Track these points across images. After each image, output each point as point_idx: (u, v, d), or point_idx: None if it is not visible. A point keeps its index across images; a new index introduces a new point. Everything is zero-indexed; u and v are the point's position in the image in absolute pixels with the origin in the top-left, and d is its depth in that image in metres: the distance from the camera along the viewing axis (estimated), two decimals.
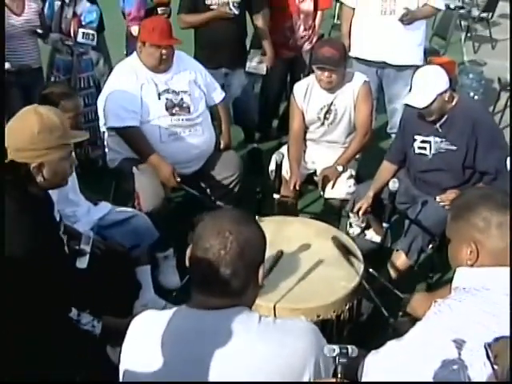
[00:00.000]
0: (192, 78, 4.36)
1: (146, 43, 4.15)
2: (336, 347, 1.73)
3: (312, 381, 1.82)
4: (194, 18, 5.27)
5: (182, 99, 4.25)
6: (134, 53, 4.32)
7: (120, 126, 4.16)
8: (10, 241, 2.34)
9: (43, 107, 2.65)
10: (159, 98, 4.20)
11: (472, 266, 2.05)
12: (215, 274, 1.81)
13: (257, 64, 5.48)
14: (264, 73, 5.56)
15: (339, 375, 1.71)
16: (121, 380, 1.93)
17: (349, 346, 1.73)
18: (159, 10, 5.57)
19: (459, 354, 1.86)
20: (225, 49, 5.25)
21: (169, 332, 1.86)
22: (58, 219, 2.85)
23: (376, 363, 2.06)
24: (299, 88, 4.55)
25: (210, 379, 1.79)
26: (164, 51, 4.14)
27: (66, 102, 3.58)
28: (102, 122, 4.40)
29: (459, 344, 1.86)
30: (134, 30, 5.39)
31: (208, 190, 4.51)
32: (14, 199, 2.46)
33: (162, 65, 4.21)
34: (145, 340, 1.90)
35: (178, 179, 4.16)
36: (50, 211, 2.78)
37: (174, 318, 1.89)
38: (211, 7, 5.17)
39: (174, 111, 4.22)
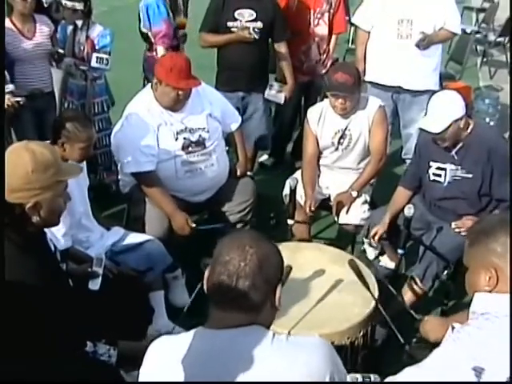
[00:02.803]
0: (208, 112, 4.27)
1: (163, 82, 4.01)
2: (359, 376, 1.74)
3: None
4: (214, 38, 5.27)
5: (199, 135, 4.19)
6: (148, 87, 4.23)
7: (137, 172, 4.11)
8: (14, 285, 2.26)
9: (35, 143, 2.52)
10: (176, 139, 4.12)
11: (491, 292, 2.02)
12: (235, 285, 1.84)
13: (276, 92, 5.47)
14: (282, 102, 5.54)
15: None
16: None
17: (371, 375, 1.75)
18: (180, 32, 5.64)
19: (478, 381, 1.83)
20: (243, 72, 5.24)
21: (185, 354, 1.87)
22: (53, 249, 2.73)
23: None
24: (313, 113, 4.54)
25: None
26: (181, 92, 4.02)
27: (81, 132, 3.52)
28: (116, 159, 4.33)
29: (478, 372, 1.83)
30: (160, 50, 5.39)
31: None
32: (13, 242, 2.36)
33: (178, 105, 4.11)
34: (163, 364, 1.91)
35: (193, 225, 4.11)
36: (47, 245, 2.68)
37: (190, 340, 1.90)
38: (232, 29, 5.16)
39: (190, 149, 4.17)
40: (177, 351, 1.89)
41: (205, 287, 1.94)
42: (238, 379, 1.80)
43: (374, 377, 1.76)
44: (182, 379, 1.84)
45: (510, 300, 1.96)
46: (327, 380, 1.83)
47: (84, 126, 3.57)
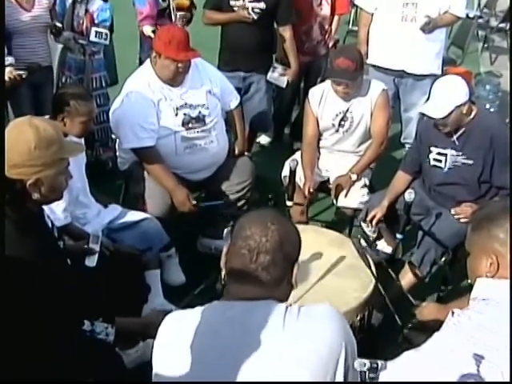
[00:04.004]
0: (208, 89, 4.24)
1: (162, 55, 3.98)
2: (367, 362, 1.75)
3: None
4: (216, 15, 5.23)
5: (199, 112, 4.16)
6: (148, 62, 4.18)
7: (138, 147, 4.08)
8: (11, 263, 2.23)
9: (38, 119, 2.49)
10: (176, 114, 4.09)
11: (492, 278, 2.03)
12: (255, 260, 1.87)
13: (278, 75, 5.41)
14: (284, 86, 5.47)
15: None
16: (153, 379, 1.96)
17: (379, 361, 1.77)
18: (178, 14, 5.48)
19: (478, 368, 1.83)
20: (243, 52, 5.19)
21: (198, 325, 1.90)
22: (50, 225, 2.70)
23: (393, 373, 2.01)
24: (315, 93, 4.49)
25: (238, 370, 1.82)
26: (180, 64, 3.98)
27: (81, 106, 3.49)
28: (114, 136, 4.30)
29: (478, 359, 1.83)
30: (146, 30, 5.33)
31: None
32: (12, 221, 2.32)
33: (178, 78, 4.07)
34: (177, 337, 1.92)
35: (194, 202, 4.11)
36: (45, 223, 2.65)
37: (204, 312, 1.93)
38: (234, 8, 5.10)
39: (190, 125, 4.13)
40: (190, 323, 1.91)
41: (222, 261, 1.98)
42: (248, 352, 1.81)
43: (381, 363, 1.76)
44: (193, 351, 1.85)
45: (510, 286, 1.97)
46: (343, 349, 1.84)
47: (85, 100, 3.54)
